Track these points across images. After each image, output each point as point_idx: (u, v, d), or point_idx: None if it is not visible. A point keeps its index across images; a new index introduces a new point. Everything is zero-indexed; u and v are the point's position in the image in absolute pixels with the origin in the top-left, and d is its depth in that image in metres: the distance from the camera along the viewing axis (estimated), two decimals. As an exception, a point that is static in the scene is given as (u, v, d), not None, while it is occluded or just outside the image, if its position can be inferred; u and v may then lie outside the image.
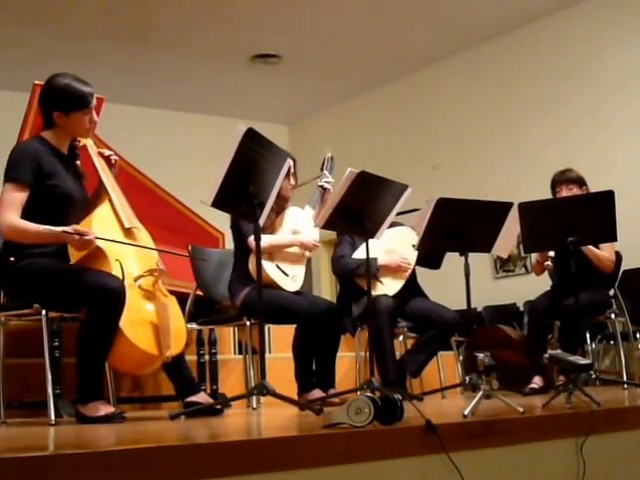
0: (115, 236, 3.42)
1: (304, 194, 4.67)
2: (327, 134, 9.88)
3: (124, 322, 3.21)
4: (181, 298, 3.96)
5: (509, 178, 8.01)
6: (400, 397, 2.49)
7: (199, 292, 4.68)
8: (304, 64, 8.91)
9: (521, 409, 2.85)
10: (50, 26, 7.74)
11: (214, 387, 4.59)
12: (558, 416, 2.92)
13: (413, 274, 4.74)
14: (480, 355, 3.15)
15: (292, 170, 4.31)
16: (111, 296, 3.16)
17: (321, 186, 4.58)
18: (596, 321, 5.20)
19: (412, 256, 4.66)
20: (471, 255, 3.97)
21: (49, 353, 3.37)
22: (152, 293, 3.43)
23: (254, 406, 3.99)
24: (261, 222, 3.39)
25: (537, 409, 3.12)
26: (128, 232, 3.52)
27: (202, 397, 3.57)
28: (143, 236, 3.61)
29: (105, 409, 3.20)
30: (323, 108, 10.17)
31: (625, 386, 4.73)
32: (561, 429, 2.81)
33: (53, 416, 3.20)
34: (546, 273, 4.91)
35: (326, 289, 9.78)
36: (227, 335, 5.46)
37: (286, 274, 4.27)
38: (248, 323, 4.23)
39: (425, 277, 4.87)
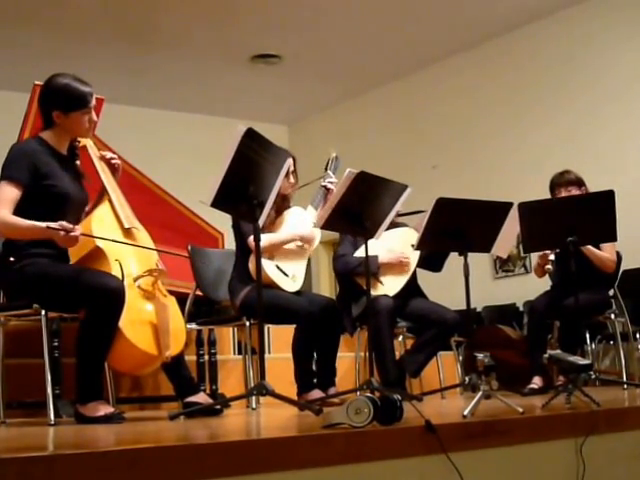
0: (115, 236, 3.42)
1: (307, 194, 4.67)
2: (327, 134, 9.87)
3: (123, 322, 3.21)
4: (181, 298, 3.96)
5: (509, 179, 8.00)
6: (400, 397, 2.49)
7: (199, 292, 4.68)
8: (304, 64, 8.91)
9: (521, 409, 2.85)
10: (50, 26, 7.73)
11: (213, 387, 4.59)
12: (558, 416, 2.92)
13: (413, 274, 4.74)
14: (480, 355, 3.16)
15: (292, 169, 4.31)
16: (110, 296, 3.16)
17: (324, 186, 4.58)
18: (596, 321, 5.20)
19: (414, 256, 4.66)
20: (471, 255, 3.97)
21: (49, 353, 3.37)
22: (152, 293, 3.43)
23: (253, 406, 3.98)
24: (261, 222, 3.39)
25: (537, 409, 3.12)
26: (128, 232, 3.52)
27: (201, 397, 3.57)
28: (143, 236, 3.61)
29: (104, 409, 3.20)
30: (323, 108, 10.17)
31: (625, 386, 4.73)
32: (561, 429, 2.81)
33: (52, 416, 3.20)
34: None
35: (326, 289, 9.78)
36: (227, 335, 5.46)
37: (286, 274, 4.27)
38: (247, 323, 4.23)
39: (425, 277, 4.87)
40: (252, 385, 3.86)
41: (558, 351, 4.01)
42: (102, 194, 3.61)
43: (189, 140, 9.81)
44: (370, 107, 9.71)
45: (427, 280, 4.89)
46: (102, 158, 3.65)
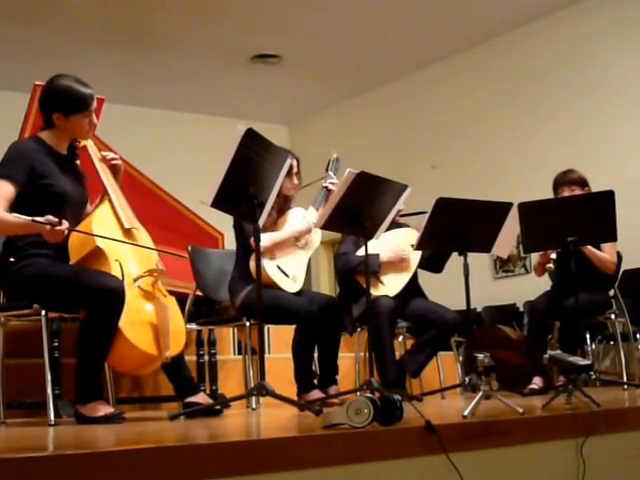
0: (115, 237, 3.42)
1: (308, 195, 4.66)
2: (327, 134, 9.87)
3: (123, 322, 3.21)
4: (181, 298, 3.96)
5: (510, 179, 8.00)
6: (400, 398, 2.49)
7: (199, 292, 4.68)
8: (304, 64, 8.91)
9: (521, 410, 2.85)
10: (49, 26, 7.73)
11: (213, 387, 4.58)
12: (558, 417, 2.92)
13: (414, 275, 4.73)
14: (480, 355, 3.15)
15: (295, 170, 4.32)
16: (110, 296, 3.16)
17: (325, 187, 4.58)
18: (596, 321, 5.20)
19: (415, 256, 4.66)
20: (471, 255, 3.97)
21: (48, 353, 3.37)
22: (151, 293, 3.43)
23: (253, 407, 3.98)
24: (261, 222, 3.39)
25: (537, 410, 3.12)
26: (128, 233, 3.52)
27: (201, 397, 3.57)
28: (143, 237, 3.61)
29: (104, 409, 3.20)
30: (323, 108, 10.17)
31: (625, 387, 4.73)
32: (561, 430, 2.81)
33: (52, 416, 3.20)
34: (546, 273, 4.91)
35: (326, 289, 9.77)
36: (227, 335, 5.46)
37: (287, 275, 4.27)
38: (247, 323, 4.23)
39: (425, 277, 4.87)
40: (252, 385, 3.85)
41: (558, 351, 4.02)
42: (103, 195, 3.61)
43: (189, 140, 9.81)
44: (370, 107, 9.71)
45: (427, 280, 4.89)
46: (103, 159, 3.65)
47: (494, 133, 8.40)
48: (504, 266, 8.21)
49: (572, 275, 4.09)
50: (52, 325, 3.87)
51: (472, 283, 3.93)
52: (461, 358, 5.77)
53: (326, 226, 3.82)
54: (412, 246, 4.40)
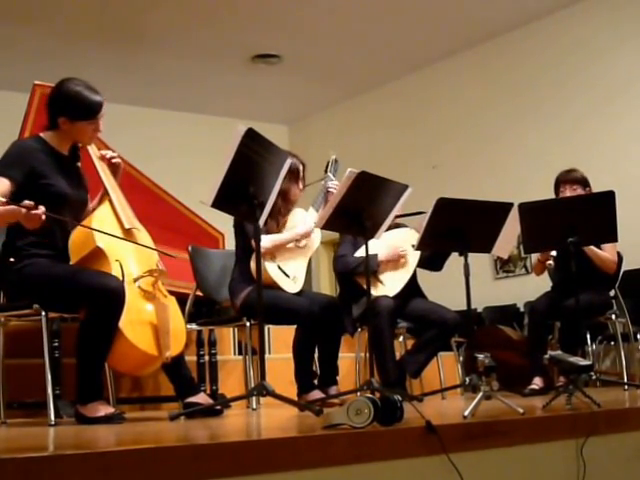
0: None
1: (307, 196, 4.66)
2: (327, 134, 9.88)
3: (124, 322, 3.21)
4: (181, 298, 3.96)
5: (510, 179, 8.00)
6: (400, 398, 2.49)
7: (199, 292, 4.68)
8: (304, 64, 8.91)
9: (521, 410, 2.84)
10: (49, 26, 7.73)
11: (214, 388, 4.59)
12: (558, 417, 2.92)
13: (413, 275, 4.73)
14: (480, 356, 3.15)
15: (301, 175, 4.33)
16: (110, 296, 3.16)
17: (327, 189, 4.58)
18: (596, 322, 5.19)
19: (414, 256, 4.66)
20: (471, 255, 3.97)
21: (49, 354, 3.37)
22: (152, 294, 3.43)
23: (254, 407, 3.98)
24: (261, 222, 3.39)
25: (537, 410, 3.11)
26: (128, 233, 3.52)
27: (202, 398, 3.57)
28: (143, 237, 3.60)
29: (105, 410, 3.20)
30: (323, 108, 10.17)
31: (626, 387, 4.72)
32: (561, 430, 2.81)
33: (53, 417, 3.19)
34: (546, 273, 4.91)
35: (326, 289, 9.77)
36: (227, 336, 5.46)
37: (287, 275, 4.27)
38: (248, 324, 4.22)
39: (425, 277, 4.87)
40: (252, 385, 3.85)
41: (559, 352, 4.01)
42: (103, 194, 3.60)
43: (189, 140, 9.81)
44: (370, 107, 9.70)
45: (427, 280, 4.89)
46: (102, 158, 3.64)
47: (494, 133, 8.40)
48: (504, 266, 8.21)
49: (572, 275, 4.08)
50: (52, 325, 3.87)
51: (472, 283, 3.93)
52: (461, 358, 5.77)
53: (327, 226, 3.82)
54: (413, 246, 4.40)
